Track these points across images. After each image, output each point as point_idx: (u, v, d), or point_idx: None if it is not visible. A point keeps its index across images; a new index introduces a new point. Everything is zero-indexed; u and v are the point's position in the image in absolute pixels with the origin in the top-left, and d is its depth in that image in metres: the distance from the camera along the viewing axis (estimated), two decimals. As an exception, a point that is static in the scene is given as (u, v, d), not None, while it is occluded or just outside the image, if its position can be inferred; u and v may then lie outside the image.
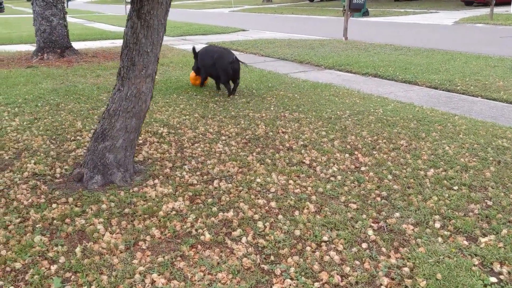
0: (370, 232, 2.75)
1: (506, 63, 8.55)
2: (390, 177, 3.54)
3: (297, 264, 2.46)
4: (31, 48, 11.74)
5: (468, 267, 2.40)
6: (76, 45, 10.73)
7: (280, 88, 6.91)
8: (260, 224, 2.86)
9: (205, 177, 3.63)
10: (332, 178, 3.54)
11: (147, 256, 2.58)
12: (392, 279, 2.34)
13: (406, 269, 2.39)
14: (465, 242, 2.65)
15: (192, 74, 7.07)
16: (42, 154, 4.13)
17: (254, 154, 4.10)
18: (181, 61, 9.42)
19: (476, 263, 2.46)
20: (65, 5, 9.34)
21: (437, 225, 2.82)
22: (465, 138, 4.42)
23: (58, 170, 3.79)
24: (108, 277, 2.38)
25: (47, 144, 4.41)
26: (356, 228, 2.80)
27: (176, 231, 2.83)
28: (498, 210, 3.01)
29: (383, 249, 2.59)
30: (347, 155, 4.01)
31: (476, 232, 2.76)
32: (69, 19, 9.95)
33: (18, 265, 2.49)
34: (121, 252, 2.61)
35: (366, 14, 22.28)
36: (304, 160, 3.90)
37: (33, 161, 3.95)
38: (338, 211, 3.00)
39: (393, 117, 5.18)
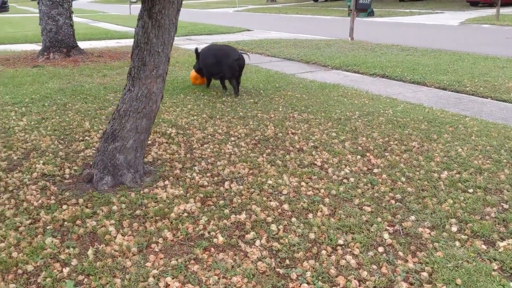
0: (386, 235, 2.70)
1: (515, 64, 8.49)
2: (403, 179, 3.49)
3: (313, 268, 2.42)
4: (37, 47, 11.74)
5: (488, 272, 2.36)
6: (81, 44, 10.70)
7: (288, 88, 6.86)
8: (273, 227, 2.82)
9: (215, 178, 3.60)
10: (344, 180, 3.49)
11: (160, 259, 2.54)
12: (411, 284, 2.30)
13: (425, 274, 2.34)
14: (483, 246, 2.60)
15: (193, 73, 7.03)
16: (50, 155, 4.10)
17: (264, 155, 4.05)
18: (187, 61, 9.38)
19: (496, 267, 2.41)
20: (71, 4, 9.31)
21: (454, 228, 2.78)
22: (478, 140, 4.36)
23: (67, 170, 3.76)
24: (121, 280, 2.35)
25: (55, 144, 4.38)
26: (372, 231, 2.76)
27: (189, 233, 2.79)
28: (515, 214, 2.97)
29: (400, 253, 2.54)
30: (358, 156, 3.97)
31: (494, 236, 2.72)
32: (73, 18, 9.93)
33: (30, 268, 2.46)
34: (134, 255, 2.57)
35: (371, 14, 22.20)
36: (315, 162, 3.86)
37: (42, 162, 3.92)
38: (353, 214, 2.96)
39: (404, 118, 5.13)
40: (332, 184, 3.42)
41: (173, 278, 2.36)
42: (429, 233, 2.74)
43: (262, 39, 13.70)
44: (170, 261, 2.51)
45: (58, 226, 2.89)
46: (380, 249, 2.58)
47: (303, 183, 3.43)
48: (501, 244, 2.62)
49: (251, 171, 3.71)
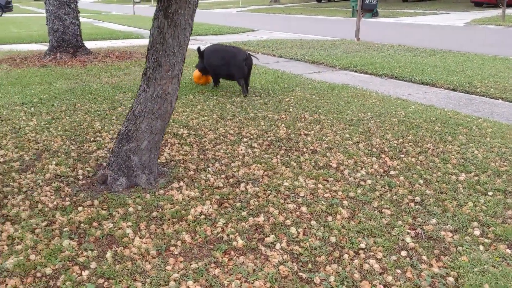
0: (408, 239, 2.66)
1: (524, 65, 8.43)
2: (421, 181, 3.45)
3: (337, 272, 2.38)
4: (42, 47, 11.73)
5: (515, 277, 2.31)
6: (87, 44, 10.66)
7: (297, 89, 6.82)
8: (293, 230, 2.78)
9: (230, 180, 3.56)
10: (362, 183, 3.45)
11: (180, 262, 2.50)
12: (437, 289, 2.26)
13: (451, 279, 2.30)
14: (508, 251, 2.56)
15: (196, 73, 7.00)
16: (62, 155, 4.07)
17: (278, 156, 4.02)
18: (194, 61, 9.29)
19: (522, 273, 2.37)
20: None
21: (477, 232, 2.73)
22: (493, 142, 4.31)
23: (80, 171, 3.73)
24: (142, 284, 2.31)
25: (67, 145, 4.35)
26: (393, 235, 2.72)
27: (207, 236, 2.75)
28: (537, 217, 2.92)
29: (424, 257, 2.50)
30: (374, 158, 3.93)
31: (518, 240, 2.68)
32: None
33: (48, 271, 2.42)
34: (153, 258, 2.54)
35: (375, 15, 22.14)
36: (330, 164, 3.82)
37: (54, 162, 3.89)
38: (372, 217, 2.92)
39: (416, 119, 5.08)
40: (349, 186, 3.38)
41: (194, 282, 2.32)
42: (452, 237, 2.70)
43: (267, 40, 13.66)
44: (190, 264, 2.47)
45: (75, 228, 2.86)
46: (403, 253, 2.54)
47: (319, 185, 3.39)
48: (526, 248, 2.58)
49: (266, 173, 3.67)
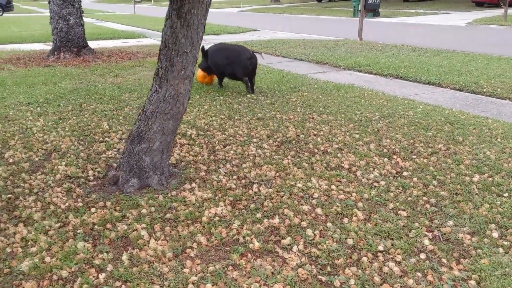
0: (426, 241, 2.64)
1: (529, 65, 8.41)
2: (435, 183, 3.43)
3: (356, 275, 2.35)
4: (45, 47, 11.69)
5: (537, 280, 2.29)
6: (89, 44, 10.62)
7: (303, 89, 6.80)
8: (309, 232, 2.75)
9: (243, 181, 3.53)
10: (375, 184, 3.43)
11: (197, 264, 2.48)
12: (459, 292, 2.24)
13: (473, 282, 2.28)
14: (527, 253, 2.54)
15: (200, 72, 6.97)
16: (72, 156, 4.04)
17: (289, 157, 3.99)
18: (198, 61, 9.31)
19: (543, 276, 2.35)
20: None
21: (495, 234, 2.71)
22: (504, 143, 4.30)
23: (90, 172, 3.70)
24: (160, 287, 2.29)
25: (75, 145, 4.32)
26: (411, 237, 2.69)
27: (223, 238, 2.73)
28: (554, 219, 2.90)
29: (444, 260, 2.48)
30: (386, 159, 3.90)
31: (536, 243, 2.65)
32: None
33: (65, 274, 2.40)
34: (170, 260, 2.51)
35: (376, 15, 22.13)
36: (342, 165, 3.79)
37: (64, 163, 3.86)
38: (389, 219, 2.90)
39: (425, 120, 5.06)
40: (363, 187, 3.36)
41: (213, 285, 2.29)
42: (470, 239, 2.67)
43: (270, 39, 13.64)
44: (208, 267, 2.45)
45: (89, 230, 2.83)
46: (422, 255, 2.52)
47: (333, 187, 3.37)
48: (545, 250, 2.56)
49: (277, 174, 3.65)
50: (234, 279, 2.35)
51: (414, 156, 3.97)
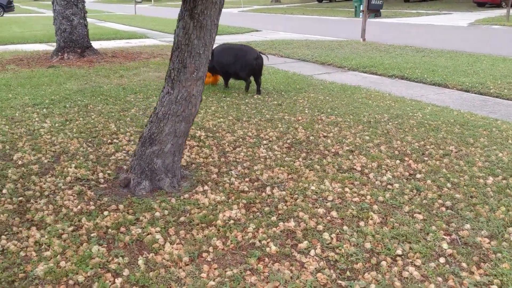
0: (444, 245, 2.61)
1: (535, 66, 8.39)
2: (449, 185, 3.40)
3: (376, 280, 2.33)
4: (48, 47, 11.66)
5: (559, 285, 2.27)
6: (92, 44, 10.60)
7: (309, 90, 6.78)
8: (326, 235, 2.72)
9: (255, 183, 3.51)
10: (389, 186, 3.40)
11: (214, 269, 2.45)
12: (481, 297, 2.21)
13: (495, 287, 2.25)
14: (548, 257, 2.51)
15: None
16: (81, 158, 4.01)
17: (300, 159, 3.96)
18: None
19: None
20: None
21: (514, 238, 2.69)
22: (516, 144, 4.28)
23: (100, 174, 3.67)
24: (178, 292, 2.26)
25: (84, 147, 4.29)
26: (429, 241, 2.67)
27: (239, 241, 2.70)
28: None
29: (464, 264, 2.45)
30: (397, 161, 3.88)
31: (555, 246, 2.63)
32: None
33: (81, 278, 2.37)
34: (187, 265, 2.48)
35: (377, 15, 22.11)
36: (354, 167, 3.76)
37: (73, 165, 3.83)
38: (405, 222, 2.87)
39: (435, 121, 5.04)
40: (377, 190, 3.33)
41: (232, 290, 2.27)
42: (489, 243, 2.65)
43: (273, 40, 13.61)
44: (225, 271, 2.42)
45: (102, 234, 2.80)
46: (442, 259, 2.49)
47: (347, 189, 3.34)
48: None
49: (290, 176, 3.62)
50: (252, 284, 2.32)
51: (426, 158, 3.95)
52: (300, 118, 5.22)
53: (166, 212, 3.05)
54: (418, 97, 6.49)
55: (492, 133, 4.63)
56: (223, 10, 3.39)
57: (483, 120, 5.16)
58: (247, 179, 3.58)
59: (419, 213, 2.99)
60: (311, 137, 4.53)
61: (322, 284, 2.32)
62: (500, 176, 3.55)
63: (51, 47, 11.57)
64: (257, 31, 16.99)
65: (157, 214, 3.01)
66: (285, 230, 2.82)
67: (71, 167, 3.79)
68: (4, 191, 3.36)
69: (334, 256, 2.53)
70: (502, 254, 2.53)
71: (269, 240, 2.71)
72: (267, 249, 2.62)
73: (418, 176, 3.58)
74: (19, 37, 13.85)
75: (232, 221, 2.92)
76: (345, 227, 2.82)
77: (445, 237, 2.72)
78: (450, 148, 4.18)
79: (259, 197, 3.27)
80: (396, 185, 3.40)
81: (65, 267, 2.45)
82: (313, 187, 3.38)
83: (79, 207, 3.12)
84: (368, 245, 2.62)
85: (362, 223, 2.86)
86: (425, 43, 12.31)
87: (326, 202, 3.16)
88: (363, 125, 4.90)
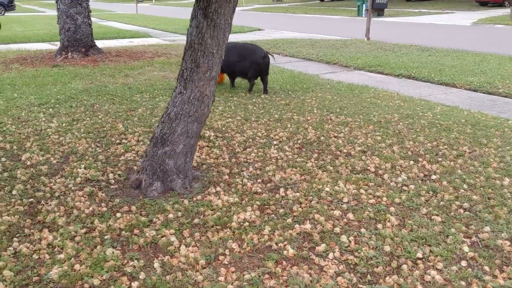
0: (465, 248, 2.56)
1: (542, 65, 8.34)
2: (465, 186, 3.35)
3: (398, 284, 2.28)
4: (51, 46, 11.61)
5: None
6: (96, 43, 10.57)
7: (316, 89, 6.73)
8: (343, 238, 2.68)
9: (268, 185, 3.46)
10: (404, 188, 3.35)
11: (232, 272, 2.40)
12: (507, 302, 2.17)
13: (520, 292, 2.21)
14: None
15: None
16: (90, 158, 3.96)
17: (312, 160, 3.92)
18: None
19: None
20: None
21: (535, 241, 2.64)
22: (529, 145, 4.23)
23: (111, 175, 3.63)
24: (197, 296, 2.21)
25: (92, 148, 4.24)
26: (449, 243, 2.62)
27: (255, 244, 2.65)
28: None
29: (486, 268, 2.40)
30: (411, 162, 3.83)
31: None
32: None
33: (96, 282, 2.32)
34: (203, 268, 2.44)
35: (380, 14, 22.06)
36: (368, 168, 3.72)
37: (83, 166, 3.78)
38: (424, 225, 2.82)
39: (446, 121, 4.99)
40: (392, 191, 3.28)
41: (251, 295, 2.22)
42: (510, 245, 2.60)
43: (276, 39, 13.56)
44: (243, 275, 2.37)
45: (116, 236, 2.75)
46: (463, 263, 2.45)
47: (362, 191, 3.29)
48: None
49: (303, 177, 3.57)
50: (272, 288, 2.28)
51: (440, 159, 3.90)
52: (309, 118, 5.17)
53: (179, 213, 3.00)
54: (426, 96, 6.44)
55: (505, 133, 4.58)
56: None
57: (494, 120, 5.11)
58: (259, 180, 3.53)
59: (437, 215, 2.94)
60: (321, 138, 4.48)
61: (343, 288, 2.27)
62: (517, 177, 3.51)
63: (54, 46, 11.52)
64: (259, 30, 16.94)
65: (171, 216, 2.97)
66: (302, 233, 2.77)
67: (80, 168, 3.75)
68: (14, 192, 3.31)
69: (353, 259, 2.48)
70: (525, 257, 2.49)
71: (286, 242, 2.66)
72: (284, 252, 2.57)
73: (433, 177, 3.53)
74: (21, 36, 13.79)
75: (247, 223, 2.87)
76: (362, 230, 2.77)
77: (465, 239, 2.67)
78: (464, 149, 4.13)
79: (272, 198, 3.22)
80: (412, 187, 3.35)
81: (79, 270, 2.41)
82: (327, 189, 3.33)
83: (90, 208, 3.07)
84: (387, 248, 2.57)
85: (380, 226, 2.82)
86: (429, 42, 12.26)
87: (342, 204, 3.11)
88: (374, 125, 4.85)
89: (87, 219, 2.93)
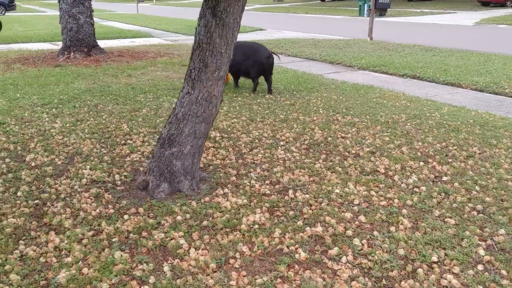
0: (481, 251, 2.51)
1: (547, 65, 8.29)
2: (477, 188, 3.30)
3: (414, 288, 2.23)
4: (52, 46, 11.56)
5: None
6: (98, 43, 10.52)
7: (321, 89, 6.68)
8: (356, 241, 2.62)
9: (276, 186, 3.41)
10: (415, 189, 3.30)
11: (243, 276, 2.35)
12: (526, 307, 2.11)
13: (540, 296, 2.16)
14: None
15: None
16: (95, 159, 3.91)
17: (320, 161, 3.86)
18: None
19: None
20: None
21: (552, 244, 2.59)
22: (540, 146, 4.17)
23: (117, 176, 3.57)
24: (209, 301, 2.16)
25: (97, 148, 4.19)
26: (464, 247, 2.57)
27: (266, 247, 2.60)
28: None
29: (503, 272, 2.35)
30: (421, 163, 3.78)
31: None
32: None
33: (105, 286, 2.27)
34: (214, 271, 2.38)
35: (382, 14, 22.01)
36: (378, 169, 3.66)
37: (88, 167, 3.73)
38: (437, 227, 2.77)
39: (454, 121, 4.93)
40: (404, 193, 3.23)
41: (264, 299, 2.17)
42: (527, 249, 2.55)
43: (278, 39, 13.51)
44: (255, 279, 2.32)
45: (124, 239, 2.70)
46: (480, 267, 2.39)
47: (372, 192, 3.24)
48: None
49: (311, 179, 3.52)
50: (285, 292, 2.23)
51: (450, 160, 3.84)
52: (315, 118, 5.12)
53: (187, 215, 2.95)
54: (432, 96, 6.39)
55: (514, 134, 4.53)
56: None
57: (502, 120, 5.05)
58: (267, 182, 3.48)
59: (450, 217, 2.89)
60: (329, 138, 4.42)
61: (358, 293, 2.22)
62: (529, 179, 3.45)
63: (55, 46, 11.48)
64: (261, 30, 16.89)
65: (179, 218, 2.91)
66: (313, 236, 2.71)
67: (86, 169, 3.69)
68: (19, 193, 3.26)
69: (367, 263, 2.43)
70: (543, 261, 2.43)
71: (297, 246, 2.61)
72: (296, 255, 2.52)
73: (444, 178, 3.48)
74: (23, 36, 13.74)
75: (256, 226, 2.82)
76: (375, 233, 2.72)
77: (480, 242, 2.62)
78: (474, 150, 4.08)
79: (282, 200, 3.17)
80: (423, 188, 3.30)
81: (88, 274, 2.36)
82: (337, 190, 3.28)
83: (97, 210, 3.02)
84: (401, 252, 2.52)
85: (392, 228, 2.76)
86: (432, 42, 12.21)
87: (353, 206, 3.06)
88: (381, 126, 4.80)
89: (94, 221, 2.88)
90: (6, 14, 26.69)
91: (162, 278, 2.33)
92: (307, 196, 3.21)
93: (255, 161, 3.89)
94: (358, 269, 2.40)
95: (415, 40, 12.68)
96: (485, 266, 2.41)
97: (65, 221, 2.88)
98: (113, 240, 2.68)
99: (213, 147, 4.24)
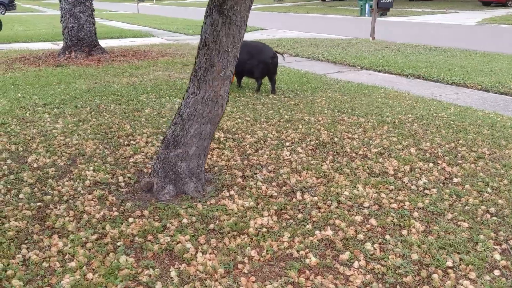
0: (497, 256, 2.44)
1: (553, 65, 8.22)
2: (489, 190, 3.23)
3: (430, 295, 2.16)
4: (53, 46, 11.49)
5: None
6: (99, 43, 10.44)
7: (325, 89, 6.61)
8: (368, 245, 2.55)
9: (283, 188, 3.33)
10: (426, 191, 3.23)
11: (253, 282, 2.28)
12: (547, 315, 2.04)
13: (561, 303, 2.09)
14: None
15: None
16: (98, 160, 3.84)
17: (328, 162, 3.79)
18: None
19: None
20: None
21: None
22: (550, 147, 4.10)
23: (120, 178, 3.50)
24: (218, 308, 2.09)
25: (100, 149, 4.12)
26: (479, 251, 2.50)
27: (275, 252, 2.53)
28: None
29: (521, 278, 2.28)
30: (431, 164, 3.70)
31: None
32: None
33: (110, 292, 2.20)
34: (223, 277, 2.31)
35: (384, 14, 21.93)
36: (387, 170, 3.59)
37: (91, 168, 3.66)
38: (451, 231, 2.70)
39: (461, 122, 4.86)
40: (414, 195, 3.16)
41: (275, 306, 2.10)
42: (544, 254, 2.48)
43: (280, 38, 13.44)
44: (265, 285, 2.25)
45: (129, 242, 2.63)
46: (496, 272, 2.32)
47: (382, 195, 3.17)
48: None
49: (319, 180, 3.45)
50: (297, 299, 2.16)
51: (459, 161, 3.77)
52: (320, 118, 5.05)
53: (194, 218, 2.88)
54: (438, 96, 6.32)
55: (523, 134, 4.46)
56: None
57: (510, 121, 4.98)
58: (274, 184, 3.41)
59: (463, 220, 2.82)
60: (335, 139, 4.35)
61: (372, 299, 2.15)
62: (541, 181, 3.38)
63: (56, 46, 11.41)
64: (262, 29, 16.81)
65: (185, 221, 2.84)
66: (323, 240, 2.64)
67: (89, 170, 3.62)
68: (21, 195, 3.19)
69: (380, 268, 2.36)
70: (561, 266, 2.36)
71: (307, 250, 2.54)
72: (307, 260, 2.45)
73: (455, 180, 3.41)
74: (23, 36, 13.67)
75: (264, 229, 2.75)
76: (387, 236, 2.65)
77: (495, 247, 2.55)
78: (483, 151, 4.01)
79: (289, 203, 3.09)
80: (434, 190, 3.22)
81: (92, 279, 2.28)
82: (346, 192, 3.21)
83: (101, 213, 2.95)
84: (415, 256, 2.45)
85: (404, 232, 2.69)
86: (434, 41, 12.13)
87: (363, 209, 2.99)
88: (388, 126, 4.73)
89: (98, 225, 2.81)
90: (6, 13, 26.61)
91: (169, 284, 2.27)
92: (316, 198, 3.14)
93: (261, 162, 3.82)
94: (371, 274, 2.33)
95: (417, 39, 12.61)
96: (501, 271, 2.34)
97: (68, 224, 2.81)
98: (118, 244, 2.61)
99: (218, 148, 4.17)
